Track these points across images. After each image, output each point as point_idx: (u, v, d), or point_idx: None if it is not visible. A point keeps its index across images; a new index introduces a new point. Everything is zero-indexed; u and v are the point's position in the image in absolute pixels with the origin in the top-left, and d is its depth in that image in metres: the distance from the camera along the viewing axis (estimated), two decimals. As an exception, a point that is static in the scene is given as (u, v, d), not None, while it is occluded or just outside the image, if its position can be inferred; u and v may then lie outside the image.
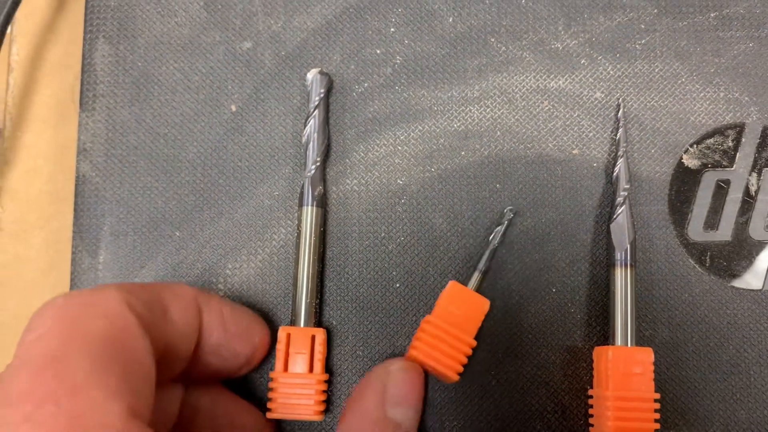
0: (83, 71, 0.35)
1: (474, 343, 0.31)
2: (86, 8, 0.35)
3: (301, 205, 0.33)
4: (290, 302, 0.33)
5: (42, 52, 0.39)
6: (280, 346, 0.31)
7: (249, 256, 0.33)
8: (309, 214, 0.32)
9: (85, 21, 0.35)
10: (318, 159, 0.33)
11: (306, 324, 0.31)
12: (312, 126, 0.33)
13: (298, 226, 0.33)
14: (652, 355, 0.31)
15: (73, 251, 0.33)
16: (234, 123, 0.34)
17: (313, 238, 0.32)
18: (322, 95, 0.33)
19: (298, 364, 0.31)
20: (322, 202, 0.33)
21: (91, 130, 0.34)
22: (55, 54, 0.39)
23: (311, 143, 0.33)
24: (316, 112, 0.33)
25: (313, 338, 0.31)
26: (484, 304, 0.32)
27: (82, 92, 0.34)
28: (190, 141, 0.34)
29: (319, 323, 0.33)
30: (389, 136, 0.34)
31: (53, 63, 0.39)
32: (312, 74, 0.33)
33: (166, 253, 0.33)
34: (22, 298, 0.37)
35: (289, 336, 0.31)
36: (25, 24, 0.39)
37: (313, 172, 0.33)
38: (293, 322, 0.32)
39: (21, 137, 0.39)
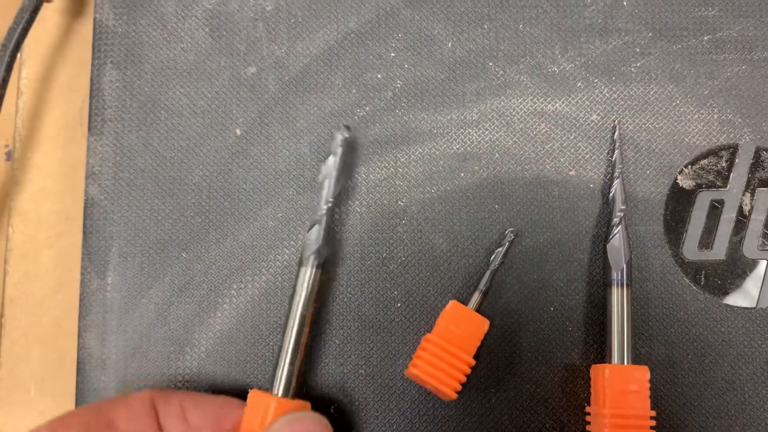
0: (91, 96, 0.35)
1: (473, 362, 0.32)
2: (94, 35, 0.36)
3: (299, 264, 0.32)
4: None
5: (51, 75, 0.40)
6: (247, 409, 0.30)
7: (253, 276, 0.34)
8: (305, 276, 0.31)
9: (93, 47, 0.36)
10: (330, 200, 0.32)
11: (283, 394, 0.30)
12: (332, 164, 0.32)
13: (294, 285, 0.32)
14: (648, 373, 0.31)
15: (82, 273, 0.34)
16: (239, 146, 0.35)
17: (302, 305, 0.31)
18: (346, 136, 0.32)
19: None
20: (324, 263, 0.32)
21: (99, 153, 0.35)
22: (63, 77, 0.40)
23: (326, 181, 0.32)
24: (339, 150, 0.32)
25: (266, 409, 0.29)
26: (483, 324, 0.32)
27: (90, 117, 0.35)
28: (196, 164, 0.35)
29: (300, 391, 0.32)
30: (390, 158, 0.35)
31: (61, 85, 0.40)
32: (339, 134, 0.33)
33: (173, 274, 0.34)
34: (31, 315, 0.38)
35: (254, 399, 0.30)
36: (34, 48, 0.40)
37: (324, 211, 0.32)
38: (269, 386, 0.31)
39: (31, 158, 0.40)
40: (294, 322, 0.31)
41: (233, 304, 0.34)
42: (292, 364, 0.30)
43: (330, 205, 0.32)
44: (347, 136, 0.32)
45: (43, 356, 0.38)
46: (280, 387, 0.30)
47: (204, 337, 0.34)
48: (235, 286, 0.34)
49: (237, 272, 0.34)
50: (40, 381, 0.38)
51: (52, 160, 0.40)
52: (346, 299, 0.34)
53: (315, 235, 0.31)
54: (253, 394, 0.30)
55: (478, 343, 0.32)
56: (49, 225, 0.39)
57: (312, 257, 0.31)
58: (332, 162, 0.32)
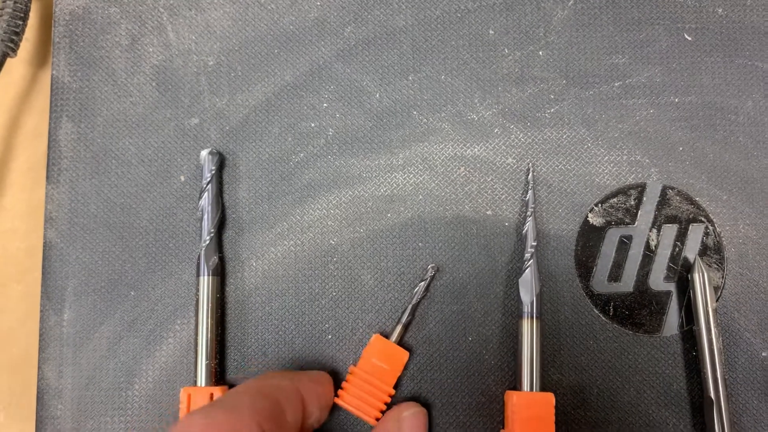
0: (49, 147, 0.39)
1: (393, 391, 0.35)
2: (52, 90, 0.39)
3: (198, 275, 0.36)
4: (234, 354, 0.37)
5: (17, 122, 0.44)
6: (182, 406, 0.34)
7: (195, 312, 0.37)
8: (205, 284, 0.36)
9: (51, 102, 0.39)
10: (212, 230, 0.37)
11: (206, 383, 0.35)
12: (206, 199, 0.37)
13: (196, 294, 0.36)
14: (553, 399, 0.34)
15: (41, 310, 0.37)
16: (183, 192, 0.38)
17: (209, 305, 0.36)
18: (213, 171, 0.37)
19: None
20: (218, 271, 0.37)
21: (56, 200, 0.38)
22: (28, 124, 0.44)
23: (205, 215, 0.37)
24: (209, 186, 0.37)
25: (211, 396, 0.35)
26: (403, 356, 0.35)
27: (48, 166, 0.39)
28: (144, 209, 0.38)
29: (221, 381, 0.36)
30: (323, 200, 0.38)
31: (27, 132, 0.44)
32: (204, 153, 0.37)
33: (123, 311, 0.37)
34: (1, 346, 0.42)
35: (189, 396, 0.35)
36: (1, 97, 0.44)
37: (207, 242, 0.36)
38: (195, 382, 0.35)
39: (0, 201, 0.43)
40: (203, 322, 0.36)
41: (177, 337, 0.37)
42: (208, 358, 0.35)
43: (212, 234, 0.36)
44: (213, 168, 0.37)
45: (11, 384, 0.41)
46: (203, 380, 0.35)
47: (151, 368, 0.37)
48: (179, 321, 0.37)
49: (180, 308, 0.37)
50: (7, 407, 0.41)
51: (20, 202, 0.43)
52: (280, 332, 0.37)
53: (212, 247, 0.37)
54: (190, 389, 0.35)
55: (399, 374, 0.35)
56: (17, 261, 0.42)
57: (210, 265, 0.36)
58: (206, 196, 0.37)
